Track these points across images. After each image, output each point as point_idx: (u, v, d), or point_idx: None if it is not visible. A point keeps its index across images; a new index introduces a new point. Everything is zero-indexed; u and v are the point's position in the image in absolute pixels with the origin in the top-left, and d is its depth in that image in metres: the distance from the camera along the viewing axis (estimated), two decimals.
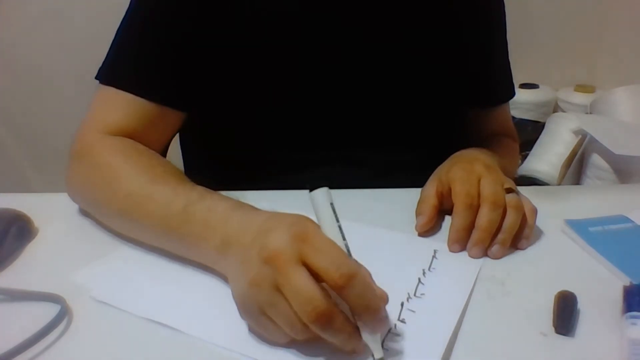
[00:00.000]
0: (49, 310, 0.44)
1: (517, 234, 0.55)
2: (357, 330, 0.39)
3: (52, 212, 0.62)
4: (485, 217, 0.54)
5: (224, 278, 0.48)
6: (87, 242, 0.57)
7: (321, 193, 0.41)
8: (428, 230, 0.58)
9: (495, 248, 0.54)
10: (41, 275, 0.51)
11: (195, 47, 0.64)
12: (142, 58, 0.63)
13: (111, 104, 0.62)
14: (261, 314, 0.40)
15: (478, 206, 0.55)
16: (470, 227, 0.55)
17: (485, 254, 0.54)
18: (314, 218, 0.42)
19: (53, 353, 0.42)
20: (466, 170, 0.58)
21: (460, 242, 0.55)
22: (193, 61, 0.64)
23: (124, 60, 0.64)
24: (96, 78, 0.64)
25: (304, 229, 0.40)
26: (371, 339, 0.39)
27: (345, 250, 0.40)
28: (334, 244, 0.40)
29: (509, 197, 0.56)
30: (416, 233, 0.58)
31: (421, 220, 0.57)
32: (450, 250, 0.55)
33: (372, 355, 0.39)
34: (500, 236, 0.54)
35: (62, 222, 0.61)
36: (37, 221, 0.59)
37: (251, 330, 0.43)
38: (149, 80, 0.63)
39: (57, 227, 0.60)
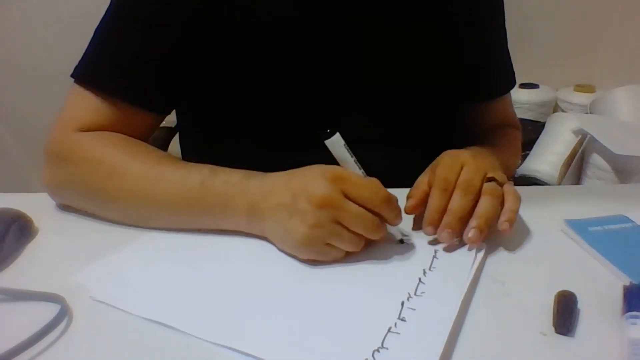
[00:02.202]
0: (49, 310, 0.44)
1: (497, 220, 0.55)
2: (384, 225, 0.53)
3: (52, 212, 0.62)
4: (454, 202, 0.55)
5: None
6: (87, 242, 0.57)
7: (335, 139, 0.52)
8: (420, 224, 0.58)
9: (471, 233, 0.53)
10: (41, 275, 0.51)
11: (180, 51, 0.64)
12: (118, 59, 0.63)
13: (85, 103, 0.62)
14: (325, 246, 0.51)
15: (453, 191, 0.56)
16: (443, 211, 0.55)
17: (454, 237, 0.54)
18: None
19: (53, 353, 0.41)
20: (451, 157, 0.59)
21: (433, 224, 0.55)
22: (177, 65, 0.64)
23: (99, 60, 0.64)
24: (72, 76, 0.64)
25: (335, 172, 0.51)
26: (393, 229, 0.55)
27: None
28: (361, 176, 0.52)
29: (487, 185, 0.56)
30: (417, 233, 0.58)
31: (410, 202, 0.58)
32: (425, 233, 0.55)
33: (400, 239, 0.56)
34: (474, 222, 0.54)
35: (62, 222, 0.61)
36: (37, 221, 0.59)
37: (308, 263, 0.52)
38: (123, 81, 0.63)
39: (57, 227, 0.60)
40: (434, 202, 0.56)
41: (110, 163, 0.58)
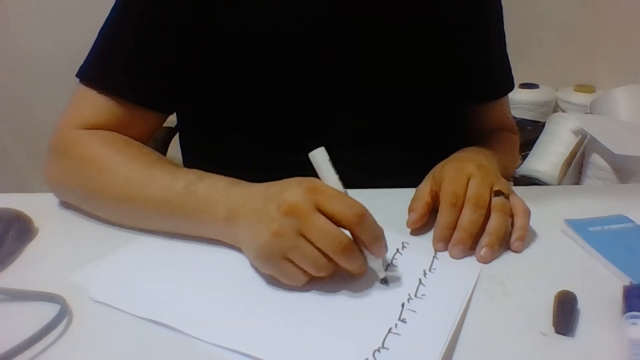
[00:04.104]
0: (49, 310, 0.44)
1: (509, 236, 0.55)
2: (364, 256, 0.48)
3: (52, 212, 0.62)
4: (465, 217, 0.54)
5: (233, 246, 0.53)
6: (87, 242, 0.57)
7: (319, 152, 0.49)
8: (420, 227, 0.58)
9: (483, 251, 0.53)
10: (41, 275, 0.51)
11: (184, 52, 0.64)
12: (123, 59, 0.63)
13: (89, 102, 0.63)
14: (284, 260, 0.46)
15: (463, 206, 0.55)
16: (453, 227, 0.55)
17: (466, 253, 0.54)
18: None
19: (53, 353, 0.42)
20: (457, 169, 0.58)
21: (444, 241, 0.55)
22: (180, 65, 0.64)
23: (104, 60, 0.64)
24: (76, 76, 0.64)
25: (313, 183, 0.47)
26: (375, 264, 0.48)
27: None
28: (339, 191, 0.48)
29: (495, 200, 0.55)
30: (416, 233, 0.58)
31: (413, 216, 0.58)
32: (435, 249, 0.55)
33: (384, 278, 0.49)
34: (485, 239, 0.54)
35: (62, 222, 0.61)
36: (37, 221, 0.59)
37: (270, 281, 0.49)
38: (127, 81, 0.63)
39: (57, 227, 0.60)
40: (444, 218, 0.55)
41: (103, 163, 0.58)
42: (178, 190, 0.54)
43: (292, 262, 0.46)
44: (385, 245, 0.48)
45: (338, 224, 0.46)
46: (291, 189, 0.47)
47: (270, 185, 0.50)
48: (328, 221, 0.45)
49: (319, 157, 0.49)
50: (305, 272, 0.46)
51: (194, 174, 0.56)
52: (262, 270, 0.49)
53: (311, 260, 0.46)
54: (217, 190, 0.53)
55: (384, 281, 0.49)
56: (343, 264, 0.46)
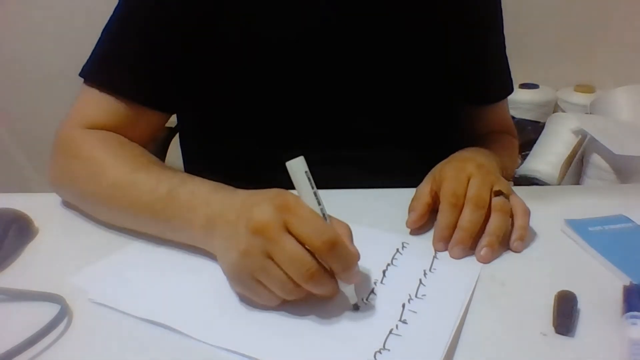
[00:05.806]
0: (49, 310, 0.44)
1: (509, 236, 0.55)
2: (335, 280, 0.44)
3: (52, 212, 0.62)
4: (465, 217, 0.54)
5: (211, 256, 0.51)
6: (87, 242, 0.57)
7: (296, 163, 0.44)
8: (420, 227, 0.58)
9: (484, 251, 0.53)
10: (41, 275, 0.51)
11: (187, 52, 0.64)
12: (127, 59, 0.63)
13: (93, 102, 0.63)
14: (253, 281, 0.44)
15: (463, 206, 0.55)
16: (453, 227, 0.55)
17: (466, 253, 0.54)
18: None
19: (53, 353, 0.42)
20: (457, 169, 0.58)
21: (444, 241, 0.55)
22: (184, 65, 0.64)
23: (106, 60, 0.64)
24: (80, 75, 0.64)
25: (285, 200, 0.44)
26: (347, 289, 0.45)
27: (321, 215, 0.44)
28: (314, 212, 0.44)
29: (495, 200, 0.55)
30: (416, 233, 0.58)
31: (412, 216, 0.58)
32: (435, 249, 0.55)
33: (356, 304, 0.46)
34: (486, 239, 0.54)
35: (62, 222, 0.61)
36: (37, 221, 0.59)
37: (243, 299, 0.46)
38: (130, 81, 0.63)
39: (57, 227, 0.60)
40: (445, 219, 0.55)
41: (94, 164, 0.58)
42: (160, 195, 0.53)
43: (263, 285, 0.44)
44: (358, 272, 0.45)
45: (306, 246, 0.43)
46: (262, 205, 0.44)
47: (249, 196, 0.48)
48: (296, 244, 0.42)
49: (296, 167, 0.44)
50: (274, 294, 0.44)
51: (178, 179, 0.54)
52: (235, 289, 0.47)
53: (279, 284, 0.43)
54: (198, 197, 0.52)
55: (355, 307, 0.46)
56: (311, 290, 0.43)
